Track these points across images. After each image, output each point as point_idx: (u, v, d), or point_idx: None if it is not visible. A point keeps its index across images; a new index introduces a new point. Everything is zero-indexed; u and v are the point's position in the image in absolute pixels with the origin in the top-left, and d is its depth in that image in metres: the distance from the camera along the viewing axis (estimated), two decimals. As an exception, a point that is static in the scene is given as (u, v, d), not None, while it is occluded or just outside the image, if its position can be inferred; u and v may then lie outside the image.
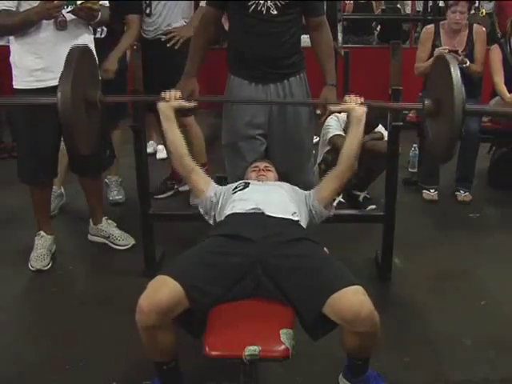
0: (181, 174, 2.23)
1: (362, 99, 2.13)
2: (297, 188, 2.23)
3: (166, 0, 3.23)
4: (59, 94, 1.82)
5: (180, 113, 3.31)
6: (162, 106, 2.14)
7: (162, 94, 2.17)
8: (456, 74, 1.86)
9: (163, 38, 3.24)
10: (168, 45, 3.24)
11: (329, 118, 3.43)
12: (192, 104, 2.19)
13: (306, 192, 2.22)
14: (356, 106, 2.12)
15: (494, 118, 3.75)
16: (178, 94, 2.15)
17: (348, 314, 1.63)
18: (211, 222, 2.18)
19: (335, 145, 3.32)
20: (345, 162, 2.13)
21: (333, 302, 1.66)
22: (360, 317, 1.62)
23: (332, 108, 2.17)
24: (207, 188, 2.17)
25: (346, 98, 2.14)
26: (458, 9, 3.56)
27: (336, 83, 2.52)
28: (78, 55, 1.94)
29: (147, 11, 3.27)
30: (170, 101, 2.14)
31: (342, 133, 3.42)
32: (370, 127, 3.38)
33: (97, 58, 2.70)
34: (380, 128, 3.38)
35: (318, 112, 2.51)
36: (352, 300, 1.64)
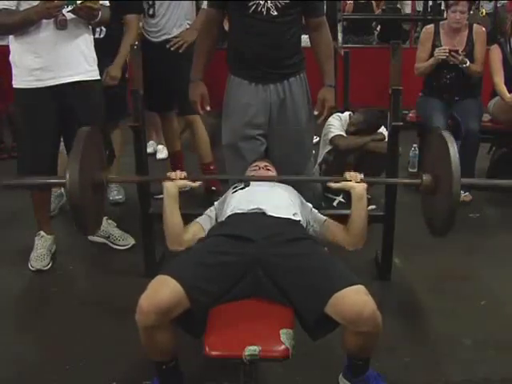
0: (175, 250, 2.11)
1: (362, 176, 2.09)
2: (303, 199, 2.22)
3: (169, 0, 3.23)
4: (67, 176, 1.86)
5: (184, 111, 3.36)
6: (167, 184, 2.10)
7: (168, 174, 2.16)
8: (453, 150, 1.89)
9: (168, 45, 3.26)
10: (172, 48, 3.24)
11: (331, 117, 3.43)
12: (197, 184, 2.17)
13: (314, 210, 2.21)
14: (355, 184, 2.07)
15: (494, 117, 3.76)
16: (184, 173, 2.13)
17: (351, 314, 1.63)
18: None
19: (337, 145, 3.32)
20: (352, 237, 2.08)
21: (335, 301, 1.66)
22: (363, 316, 1.62)
23: (332, 185, 2.15)
24: (204, 230, 2.11)
25: (346, 174, 2.10)
26: (458, 8, 3.56)
27: (335, 84, 2.52)
28: (85, 137, 1.96)
29: (150, 12, 3.27)
30: (176, 180, 2.11)
31: (343, 133, 3.42)
32: (372, 128, 3.39)
33: (97, 59, 2.73)
34: (382, 129, 3.39)
35: (316, 112, 2.51)
36: (354, 300, 1.64)
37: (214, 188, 3.53)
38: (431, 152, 2.12)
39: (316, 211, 2.21)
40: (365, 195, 2.07)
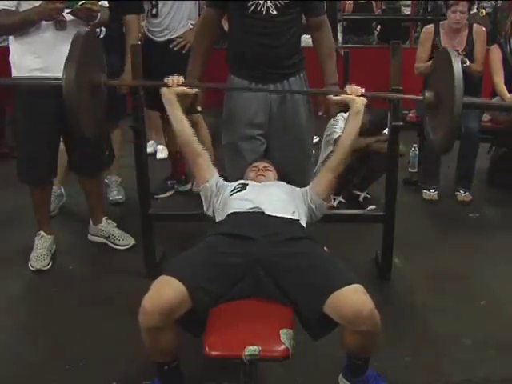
0: (187, 158, 2.21)
1: (363, 90, 2.12)
2: (294, 187, 2.23)
3: (173, 0, 3.23)
4: (64, 75, 1.84)
5: (186, 111, 3.36)
6: (164, 90, 2.16)
7: (165, 80, 2.20)
8: (457, 66, 1.88)
9: (171, 45, 3.26)
10: (175, 49, 3.24)
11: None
12: (194, 90, 2.20)
13: (302, 189, 2.21)
14: (355, 97, 2.11)
15: (494, 117, 3.76)
16: (181, 79, 2.16)
17: (349, 313, 1.63)
18: (210, 212, 2.18)
19: None
20: (340, 153, 2.14)
21: (333, 301, 1.66)
22: (361, 316, 1.62)
23: (333, 98, 2.17)
24: (211, 177, 2.17)
25: (347, 87, 2.14)
26: (458, 8, 3.56)
27: (337, 83, 2.51)
28: (83, 38, 1.94)
29: (153, 12, 3.27)
30: (173, 86, 2.16)
31: None
32: (377, 129, 3.38)
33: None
34: (386, 130, 3.38)
35: (320, 113, 2.51)
36: (353, 299, 1.64)
37: None
38: (435, 69, 2.11)
39: (304, 189, 2.20)
40: (362, 110, 2.11)
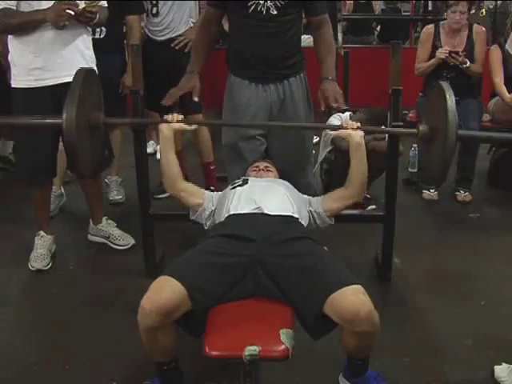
0: (173, 195, 2.19)
1: (359, 124, 2.12)
2: (298, 192, 2.23)
3: (173, 0, 3.24)
4: (64, 115, 1.86)
5: (189, 111, 3.36)
6: (163, 127, 2.13)
7: (165, 117, 2.19)
8: (451, 100, 1.91)
9: (173, 44, 3.26)
10: (177, 47, 3.25)
11: (331, 117, 3.43)
12: (193, 127, 2.18)
13: (309, 197, 2.22)
14: (352, 131, 2.10)
15: (494, 117, 3.76)
16: (180, 116, 2.15)
17: (347, 314, 1.63)
18: (207, 226, 2.18)
19: (339, 146, 3.31)
20: (354, 188, 2.13)
21: (332, 301, 1.66)
22: (360, 316, 1.62)
23: (330, 132, 2.19)
24: (203, 200, 2.16)
25: (343, 123, 2.14)
26: (458, 9, 3.56)
27: (335, 79, 2.50)
28: (83, 77, 1.95)
29: (154, 11, 3.27)
30: (172, 123, 2.14)
31: None
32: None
33: (95, 59, 2.73)
34: None
35: (323, 108, 2.49)
36: (352, 299, 1.64)
37: (212, 188, 3.53)
38: (430, 103, 2.14)
39: (313, 198, 2.23)
40: (362, 143, 2.11)
